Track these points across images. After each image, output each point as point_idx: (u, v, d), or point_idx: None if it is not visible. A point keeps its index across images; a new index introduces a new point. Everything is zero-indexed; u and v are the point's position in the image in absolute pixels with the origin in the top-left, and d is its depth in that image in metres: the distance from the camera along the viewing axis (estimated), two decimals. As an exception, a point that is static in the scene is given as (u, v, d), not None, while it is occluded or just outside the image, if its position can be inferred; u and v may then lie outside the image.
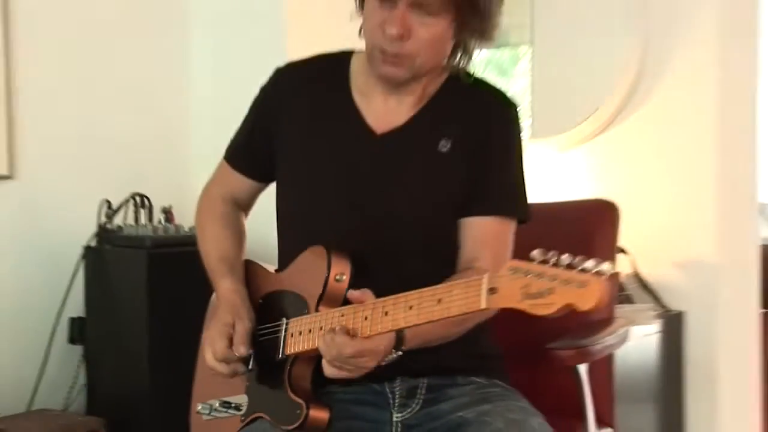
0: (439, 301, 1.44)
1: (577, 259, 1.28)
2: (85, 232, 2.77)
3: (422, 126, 1.81)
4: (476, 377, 1.83)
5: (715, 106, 2.91)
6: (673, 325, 2.89)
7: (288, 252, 1.84)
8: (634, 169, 3.02)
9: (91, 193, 2.81)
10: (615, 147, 3.07)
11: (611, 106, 3.04)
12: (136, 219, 2.76)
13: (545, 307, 1.30)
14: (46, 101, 2.84)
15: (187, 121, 3.13)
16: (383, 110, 1.82)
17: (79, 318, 2.79)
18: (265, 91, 1.93)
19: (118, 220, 2.78)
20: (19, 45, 2.77)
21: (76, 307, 2.78)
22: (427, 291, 1.45)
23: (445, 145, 1.79)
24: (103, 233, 2.74)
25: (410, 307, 1.48)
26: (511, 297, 1.34)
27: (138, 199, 2.77)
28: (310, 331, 1.65)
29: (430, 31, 1.70)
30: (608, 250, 2.34)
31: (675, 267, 2.92)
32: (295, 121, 1.86)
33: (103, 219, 2.76)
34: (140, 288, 2.59)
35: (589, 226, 2.37)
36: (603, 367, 2.27)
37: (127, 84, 3.06)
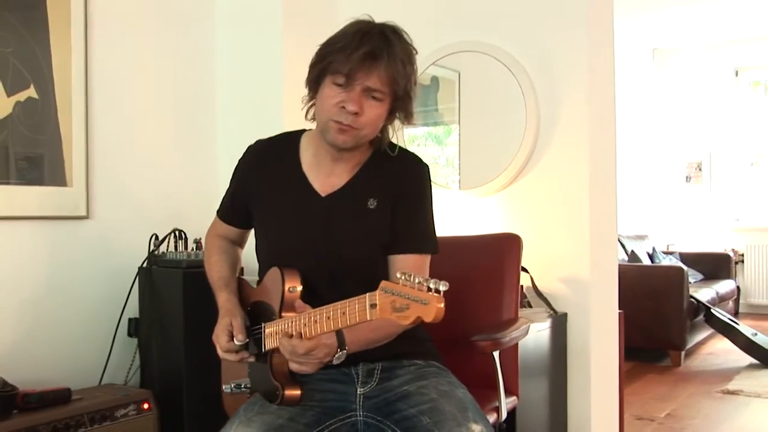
0: (343, 313, 1.44)
1: (425, 279, 1.28)
2: (139, 257, 2.75)
3: (355, 189, 1.80)
4: (417, 360, 1.84)
5: (586, 168, 2.92)
6: (559, 323, 2.90)
7: (263, 275, 1.84)
8: (532, 211, 3.04)
9: (144, 228, 2.80)
10: (519, 195, 3.08)
11: (516, 165, 3.05)
12: (176, 247, 2.75)
13: (405, 319, 1.30)
14: (113, 164, 2.82)
15: (214, 176, 3.11)
16: (325, 177, 1.82)
17: (135, 318, 2.77)
18: (241, 164, 1.94)
19: (162, 248, 2.76)
20: (96, 121, 2.76)
21: (133, 310, 2.76)
22: (338, 306, 1.45)
23: (372, 203, 1.79)
24: (152, 258, 2.73)
25: (328, 318, 1.49)
26: (385, 310, 1.33)
27: (177, 233, 2.75)
28: (276, 333, 1.65)
29: (375, 111, 1.71)
30: (514, 269, 2.33)
31: (561, 281, 2.93)
32: (263, 188, 1.87)
33: (152, 247, 2.74)
34: (178, 297, 2.57)
35: (501, 252, 2.39)
36: (511, 353, 2.30)
37: (171, 149, 3.06)
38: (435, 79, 3.35)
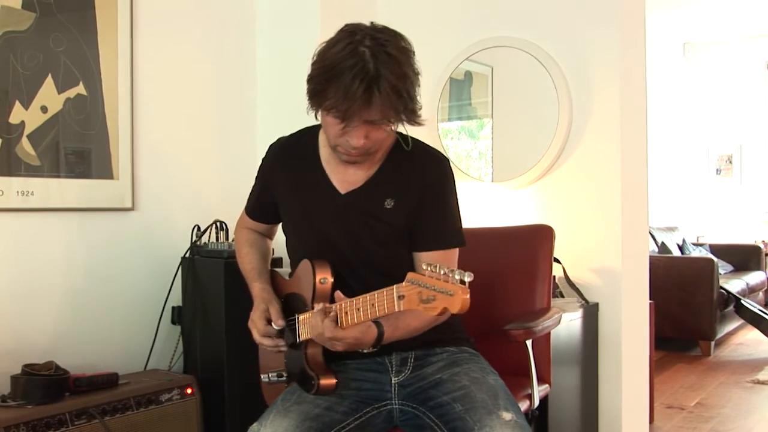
0: (372, 305, 1.45)
1: (450, 270, 1.28)
2: (182, 247, 2.77)
3: (373, 189, 1.76)
4: (449, 347, 1.82)
5: (618, 160, 2.88)
6: (591, 312, 2.88)
7: (294, 267, 1.84)
8: (564, 203, 3.01)
9: (186, 220, 2.81)
10: (551, 187, 3.05)
11: (548, 158, 3.02)
12: (217, 238, 2.75)
13: (432, 310, 1.30)
14: (157, 158, 2.84)
15: (254, 170, 3.13)
16: (344, 176, 1.78)
17: (178, 306, 2.78)
18: (264, 163, 1.93)
19: (204, 239, 2.77)
20: (141, 116, 2.78)
21: (176, 299, 2.78)
22: (367, 297, 1.46)
23: (389, 203, 1.74)
24: (195, 248, 2.74)
25: (358, 309, 1.49)
26: (412, 301, 1.33)
27: (218, 224, 2.76)
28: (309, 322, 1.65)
29: (380, 134, 1.64)
30: (547, 260, 2.32)
31: (593, 272, 2.90)
32: (287, 186, 1.85)
33: (195, 238, 2.75)
34: (219, 286, 2.58)
35: (534, 243, 2.37)
36: (543, 342, 2.29)
37: (212, 143, 3.07)
38: (468, 74, 3.32)
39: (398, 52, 1.56)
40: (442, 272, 1.28)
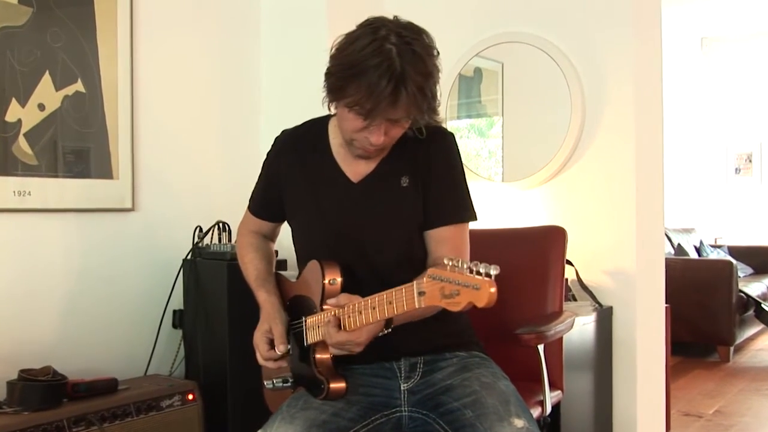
0: (390, 302, 1.43)
1: (473, 264, 1.26)
2: (184, 249, 2.78)
3: (386, 171, 1.76)
4: (459, 352, 1.81)
5: (632, 160, 2.87)
6: (605, 316, 2.86)
7: (302, 267, 1.83)
8: (577, 203, 3.00)
9: (188, 221, 2.83)
10: (563, 187, 3.04)
11: (560, 158, 3.01)
12: (219, 239, 2.77)
13: (455, 305, 1.28)
14: (158, 157, 2.85)
15: (258, 170, 3.15)
16: (356, 167, 1.77)
17: (180, 310, 2.79)
18: (271, 155, 1.91)
19: (206, 240, 2.78)
20: (141, 114, 2.79)
21: (178, 302, 2.79)
22: (383, 295, 1.45)
23: (405, 181, 1.74)
24: (197, 249, 2.75)
25: (373, 308, 1.47)
26: (434, 297, 1.32)
27: (221, 225, 2.78)
28: (319, 326, 1.65)
29: (398, 131, 1.65)
30: (559, 262, 2.31)
31: (606, 274, 2.89)
32: (295, 179, 1.83)
33: (197, 239, 2.77)
34: (222, 289, 2.58)
35: (545, 245, 2.36)
36: (556, 346, 2.29)
37: (214, 142, 3.09)
38: (478, 71, 3.32)
39: (423, 50, 1.56)
40: (465, 266, 1.26)
